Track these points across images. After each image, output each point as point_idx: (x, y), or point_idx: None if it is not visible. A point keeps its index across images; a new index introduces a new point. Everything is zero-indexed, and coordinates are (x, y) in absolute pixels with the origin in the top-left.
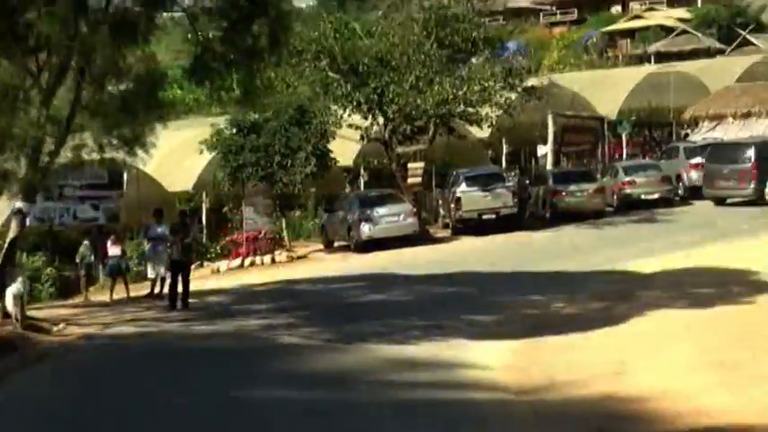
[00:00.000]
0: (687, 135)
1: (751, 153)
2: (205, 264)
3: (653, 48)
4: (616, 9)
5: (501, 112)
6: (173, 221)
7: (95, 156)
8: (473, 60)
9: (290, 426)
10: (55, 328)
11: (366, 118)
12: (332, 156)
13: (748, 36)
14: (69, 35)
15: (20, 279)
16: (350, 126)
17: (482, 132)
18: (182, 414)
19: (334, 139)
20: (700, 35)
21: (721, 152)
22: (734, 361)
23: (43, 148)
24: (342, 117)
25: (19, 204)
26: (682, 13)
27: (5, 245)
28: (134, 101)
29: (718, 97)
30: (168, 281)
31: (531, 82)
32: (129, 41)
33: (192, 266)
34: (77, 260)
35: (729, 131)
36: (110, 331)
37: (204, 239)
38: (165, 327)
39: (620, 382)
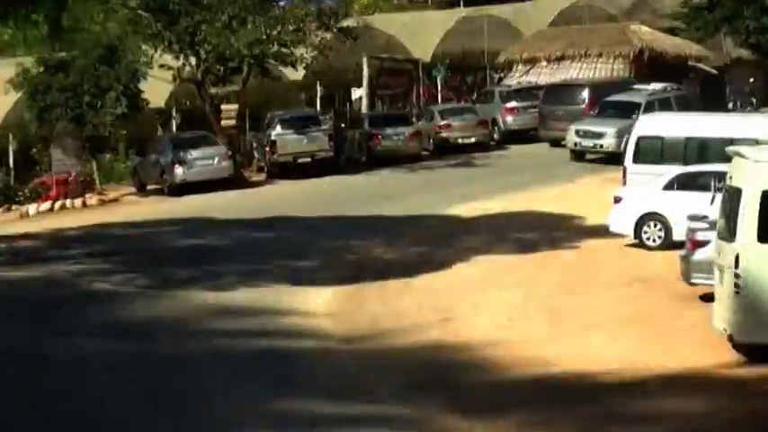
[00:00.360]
0: (501, 79)
1: (585, 94)
2: (13, 207)
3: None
4: None
5: (316, 53)
6: None
7: None
8: (286, 0)
9: (96, 382)
10: None
11: (178, 58)
12: (143, 97)
13: None
14: None
15: None
16: (161, 66)
17: (296, 75)
18: None
19: (145, 79)
20: None
21: (556, 94)
22: (563, 307)
23: None
24: (153, 57)
25: None
26: None
27: None
28: None
29: (531, 41)
30: None
31: (347, 23)
32: None
33: None
34: None
35: (543, 75)
36: None
37: (11, 182)
38: None
39: (449, 329)
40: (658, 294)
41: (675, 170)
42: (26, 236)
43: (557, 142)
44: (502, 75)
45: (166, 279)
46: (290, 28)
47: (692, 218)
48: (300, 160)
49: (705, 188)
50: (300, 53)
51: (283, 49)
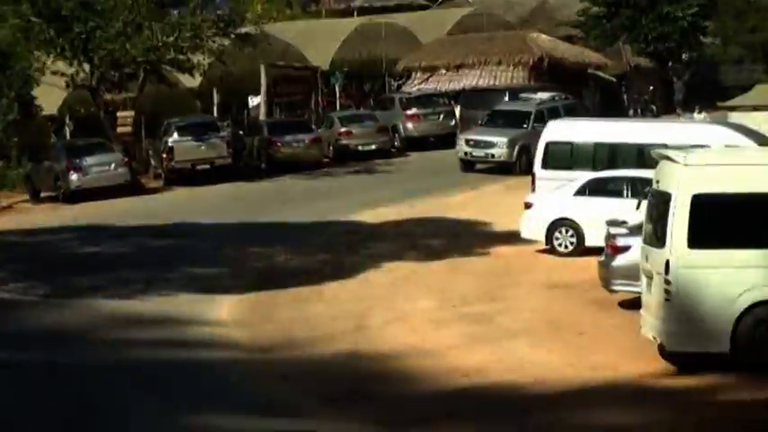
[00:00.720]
0: (400, 86)
1: (505, 99)
2: None
3: (357, 2)
4: None
5: (213, 59)
6: None
7: None
8: (182, 7)
9: None
10: None
11: (72, 64)
12: (36, 103)
13: None
14: None
15: None
16: (54, 73)
17: (193, 82)
18: None
19: (38, 85)
20: None
21: (476, 99)
22: (479, 314)
23: None
24: (45, 63)
25: None
26: None
27: None
28: None
29: (429, 49)
30: None
31: (244, 30)
32: None
33: None
34: None
35: (442, 82)
36: None
37: None
38: None
39: (365, 338)
40: (577, 301)
41: (587, 176)
42: None
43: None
44: (400, 82)
45: (67, 287)
46: (187, 34)
47: (611, 223)
48: (199, 167)
49: (617, 194)
50: (197, 60)
51: (180, 56)
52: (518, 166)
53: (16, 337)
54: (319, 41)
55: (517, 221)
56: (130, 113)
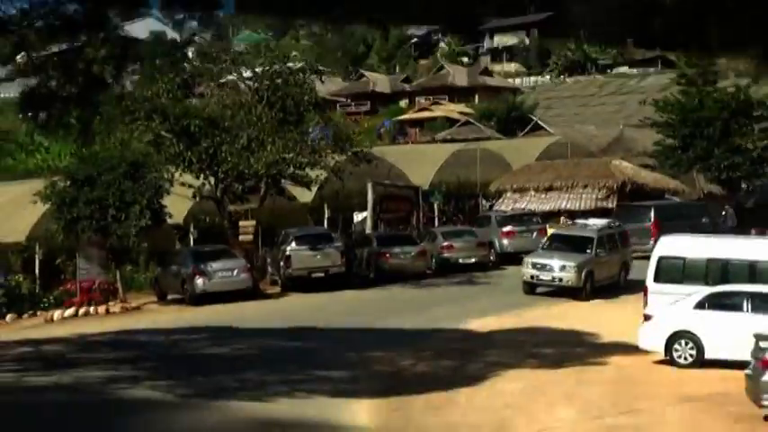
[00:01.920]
0: (492, 206)
1: (651, 214)
2: (38, 313)
3: (440, 135)
4: (404, 102)
5: (328, 174)
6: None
7: None
8: (303, 125)
9: None
10: None
11: (198, 177)
12: (165, 211)
13: (540, 122)
14: None
15: None
16: (182, 184)
17: (305, 197)
18: None
19: (168, 194)
20: (482, 126)
21: (625, 213)
22: (625, 427)
23: None
24: (174, 175)
25: None
26: (462, 107)
27: None
28: None
29: (520, 173)
30: None
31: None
32: None
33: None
34: None
35: (531, 203)
36: None
37: (37, 289)
38: None
39: None
40: (718, 414)
41: (705, 290)
42: (52, 340)
43: None
44: (493, 202)
45: (205, 387)
46: (307, 151)
47: (761, 337)
48: (314, 275)
49: (737, 308)
50: (315, 175)
51: (298, 171)
52: (585, 291)
53: None
54: (420, 164)
55: (621, 332)
56: (252, 223)
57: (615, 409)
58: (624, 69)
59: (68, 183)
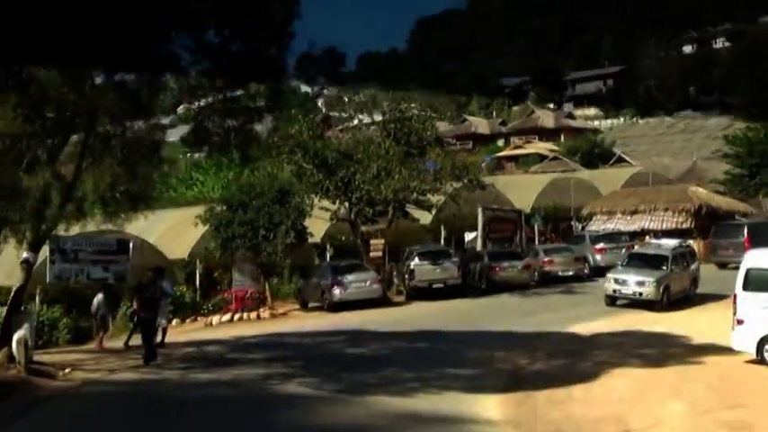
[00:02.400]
0: (584, 227)
1: (744, 230)
2: (199, 318)
3: (533, 169)
4: (501, 142)
5: (445, 200)
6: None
7: (98, 209)
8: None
9: None
10: (61, 373)
11: (335, 202)
12: (308, 231)
13: (623, 155)
14: (77, 94)
15: (25, 325)
16: (321, 208)
17: (425, 219)
18: None
19: (309, 217)
20: (568, 161)
21: (723, 230)
22: (737, 421)
23: (50, 202)
24: (314, 200)
25: (25, 255)
26: (550, 145)
27: (12, 294)
28: (135, 158)
29: (608, 198)
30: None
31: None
32: (132, 106)
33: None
34: (92, 311)
35: (619, 224)
36: (113, 377)
37: (198, 298)
38: (166, 374)
39: None
40: None
41: None
42: (212, 342)
43: (723, 265)
44: (584, 224)
45: (350, 384)
46: (429, 179)
47: None
48: (434, 286)
49: None
50: (435, 200)
51: (421, 197)
52: (662, 303)
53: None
54: (522, 191)
55: (708, 336)
56: (381, 241)
57: (721, 404)
58: (688, 112)
59: (225, 207)
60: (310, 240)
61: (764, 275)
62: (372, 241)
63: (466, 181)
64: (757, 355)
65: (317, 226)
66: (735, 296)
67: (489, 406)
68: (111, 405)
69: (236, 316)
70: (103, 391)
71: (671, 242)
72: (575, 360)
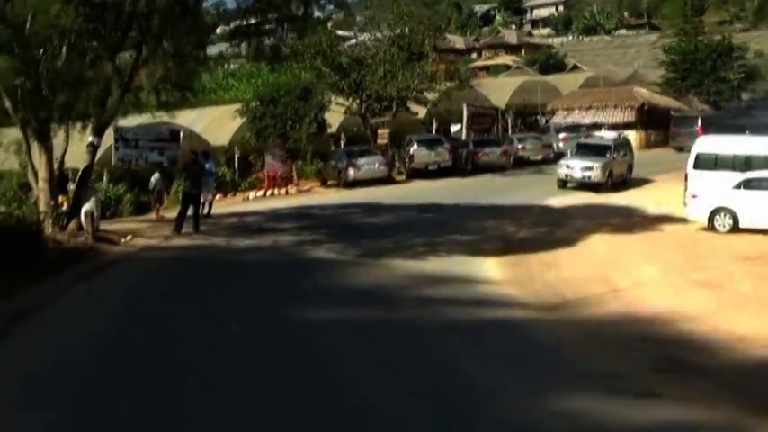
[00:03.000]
0: (547, 121)
1: (698, 121)
2: (237, 194)
3: (501, 76)
4: (474, 55)
5: (439, 97)
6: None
7: (152, 99)
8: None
9: (337, 344)
10: (122, 240)
11: (348, 99)
12: (326, 123)
13: (578, 64)
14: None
15: (92, 199)
16: (337, 104)
17: (421, 113)
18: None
19: (328, 110)
20: (528, 69)
21: (680, 121)
22: (706, 281)
23: (111, 93)
24: (330, 98)
25: (90, 139)
26: (514, 58)
27: (80, 171)
28: (184, 53)
29: (567, 97)
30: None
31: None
32: (182, 8)
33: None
34: (150, 188)
35: (576, 117)
36: (168, 243)
37: (236, 177)
38: (214, 240)
39: (624, 300)
40: None
41: (746, 175)
42: (250, 213)
43: (680, 149)
44: (548, 118)
45: (367, 249)
46: (426, 80)
47: None
48: (430, 167)
49: (765, 189)
50: (432, 97)
51: (419, 94)
52: (606, 185)
53: (348, 294)
54: (498, 91)
55: (658, 208)
56: (386, 131)
57: (689, 266)
58: (623, 31)
59: (258, 103)
60: (328, 131)
61: (710, 158)
62: (379, 131)
63: (457, 81)
64: (708, 224)
65: (334, 119)
66: (686, 175)
67: (488, 267)
68: (168, 265)
69: (269, 192)
70: (160, 255)
71: (611, 134)
72: (554, 228)
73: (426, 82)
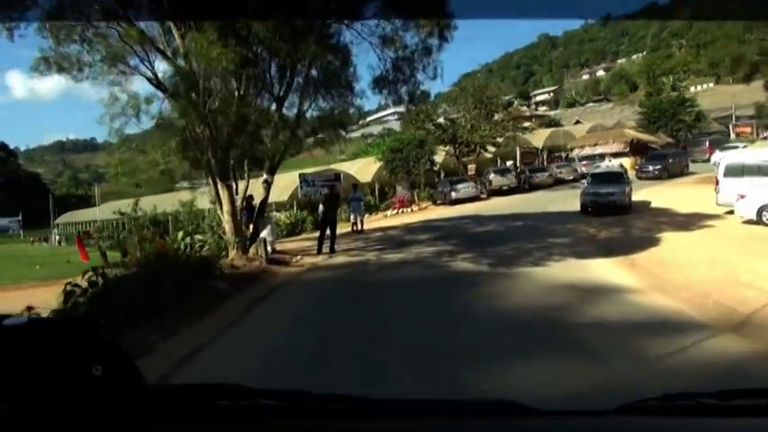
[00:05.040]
0: (568, 155)
1: (707, 142)
2: (378, 213)
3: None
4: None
5: (507, 140)
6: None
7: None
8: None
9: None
10: (293, 260)
11: (447, 146)
12: (436, 162)
13: (580, 120)
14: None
15: (268, 227)
16: (440, 149)
17: (491, 152)
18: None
19: (434, 154)
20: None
21: (691, 144)
22: None
23: (277, 141)
24: (439, 148)
25: (265, 176)
26: (530, 122)
27: (258, 204)
28: (334, 93)
29: (581, 139)
30: (360, 222)
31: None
32: (328, 48)
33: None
34: (318, 212)
35: (587, 151)
36: (329, 261)
37: (376, 201)
38: (367, 255)
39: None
40: None
41: None
42: (390, 228)
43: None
44: (568, 153)
45: (495, 258)
46: (498, 128)
47: None
48: (503, 188)
49: None
50: (500, 140)
51: (492, 139)
52: (630, 207)
53: (516, 317)
54: (535, 138)
55: (693, 208)
56: (473, 166)
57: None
58: (591, 104)
59: (390, 152)
60: (435, 168)
61: (738, 167)
62: (468, 166)
63: (521, 128)
64: (756, 218)
65: (438, 159)
66: (717, 181)
67: (610, 271)
68: (330, 283)
69: (399, 210)
70: (322, 275)
71: (615, 162)
72: (625, 228)
73: (500, 130)
